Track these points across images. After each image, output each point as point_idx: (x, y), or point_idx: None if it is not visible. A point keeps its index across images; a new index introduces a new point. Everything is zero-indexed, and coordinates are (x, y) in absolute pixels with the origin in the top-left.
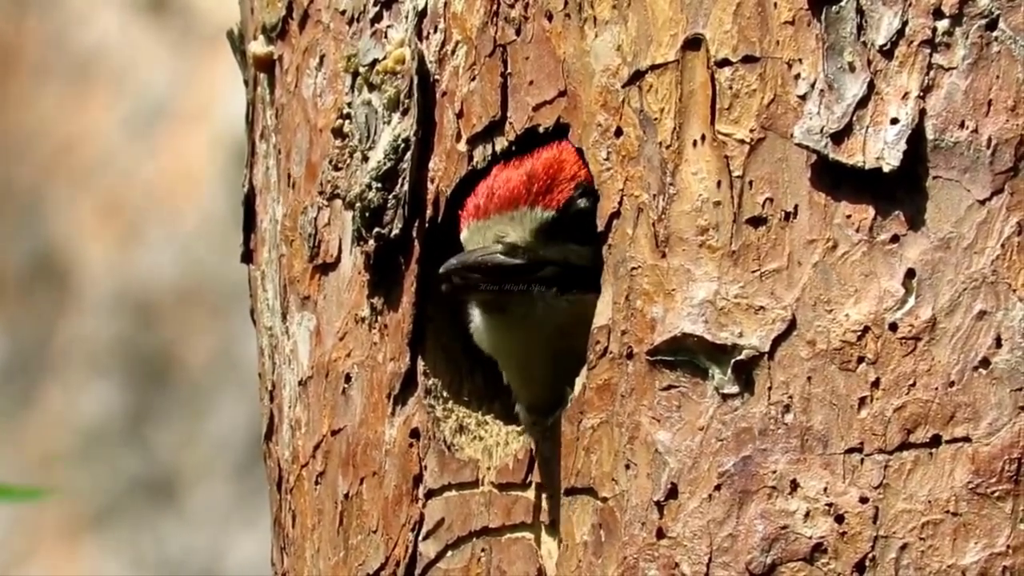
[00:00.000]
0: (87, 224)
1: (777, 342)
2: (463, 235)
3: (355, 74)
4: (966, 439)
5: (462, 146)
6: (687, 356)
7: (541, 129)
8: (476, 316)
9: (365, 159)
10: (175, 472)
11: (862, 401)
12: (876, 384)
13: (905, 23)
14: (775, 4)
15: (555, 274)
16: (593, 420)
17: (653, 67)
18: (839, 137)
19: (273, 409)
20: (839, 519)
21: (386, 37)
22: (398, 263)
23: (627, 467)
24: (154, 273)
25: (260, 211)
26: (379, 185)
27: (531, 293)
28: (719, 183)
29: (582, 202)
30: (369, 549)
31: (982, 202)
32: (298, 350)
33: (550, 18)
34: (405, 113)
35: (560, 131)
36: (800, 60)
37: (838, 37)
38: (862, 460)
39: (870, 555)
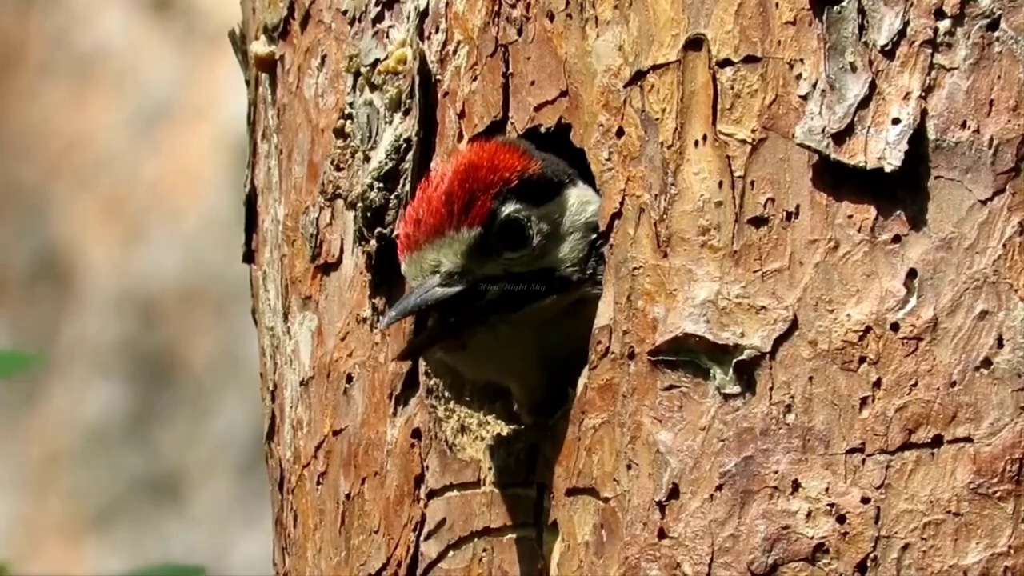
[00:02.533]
0: (90, 223)
1: (779, 342)
2: (403, 268)
3: (357, 74)
4: (968, 439)
5: (464, 146)
6: (689, 356)
7: (543, 129)
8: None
9: (367, 159)
10: (178, 471)
11: (864, 401)
12: (878, 384)
13: (906, 23)
14: (776, 4)
15: (501, 293)
16: (595, 420)
17: (655, 67)
18: (841, 137)
19: (275, 409)
20: (841, 519)
21: (388, 37)
22: (399, 263)
23: (629, 467)
24: (157, 272)
25: (262, 211)
26: (381, 185)
27: (487, 323)
28: (721, 183)
29: (506, 208)
30: (371, 549)
31: (984, 202)
32: (300, 350)
33: (551, 18)
34: (407, 113)
35: (561, 131)
36: (801, 60)
37: (839, 37)
38: (864, 460)
39: (872, 555)
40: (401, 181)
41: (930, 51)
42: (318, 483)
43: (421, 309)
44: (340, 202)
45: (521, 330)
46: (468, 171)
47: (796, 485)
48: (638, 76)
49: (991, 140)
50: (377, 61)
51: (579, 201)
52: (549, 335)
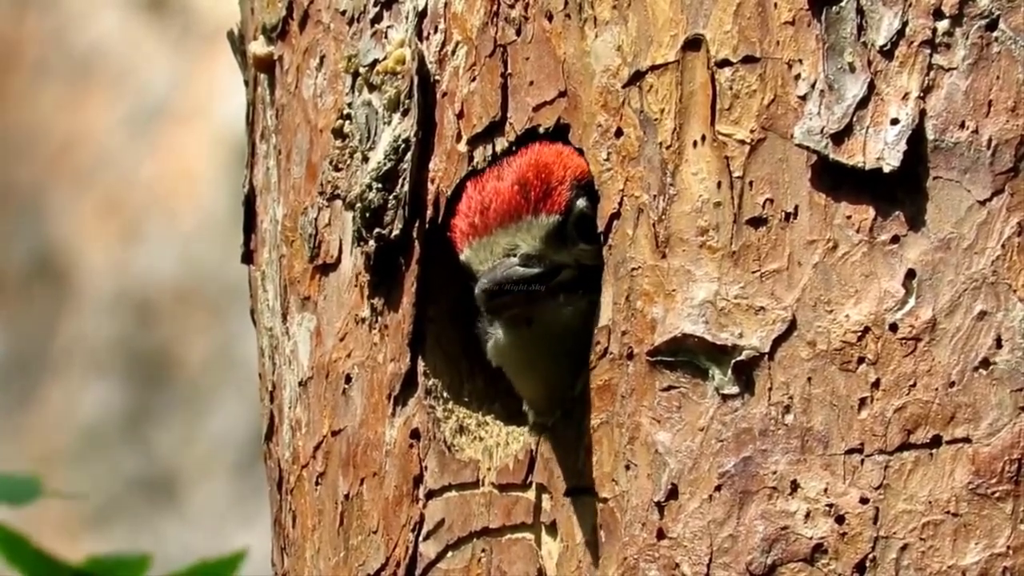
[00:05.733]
0: (87, 224)
1: (777, 343)
2: (465, 254)
3: (355, 74)
4: (966, 440)
5: (462, 146)
6: (687, 357)
7: (541, 129)
8: (498, 335)
9: (365, 159)
10: (175, 471)
11: (862, 402)
12: (876, 385)
13: (905, 23)
14: (775, 4)
15: (573, 277)
16: (593, 421)
17: (653, 67)
18: (839, 138)
19: (273, 410)
20: (839, 520)
21: (386, 37)
22: (398, 264)
23: (627, 468)
24: (154, 273)
25: (260, 211)
26: (379, 186)
27: (558, 300)
28: (719, 184)
29: (580, 202)
30: (369, 550)
31: (982, 203)
32: (298, 351)
33: (550, 18)
34: (405, 113)
35: (560, 131)
36: (800, 60)
37: (838, 37)
38: (862, 461)
39: (870, 556)
40: (400, 181)
41: (929, 51)
42: (317, 483)
43: (508, 282)
44: (339, 202)
45: (574, 324)
46: (540, 165)
47: (795, 486)
48: (637, 76)
49: (990, 140)
50: (376, 61)
51: None
52: (580, 336)
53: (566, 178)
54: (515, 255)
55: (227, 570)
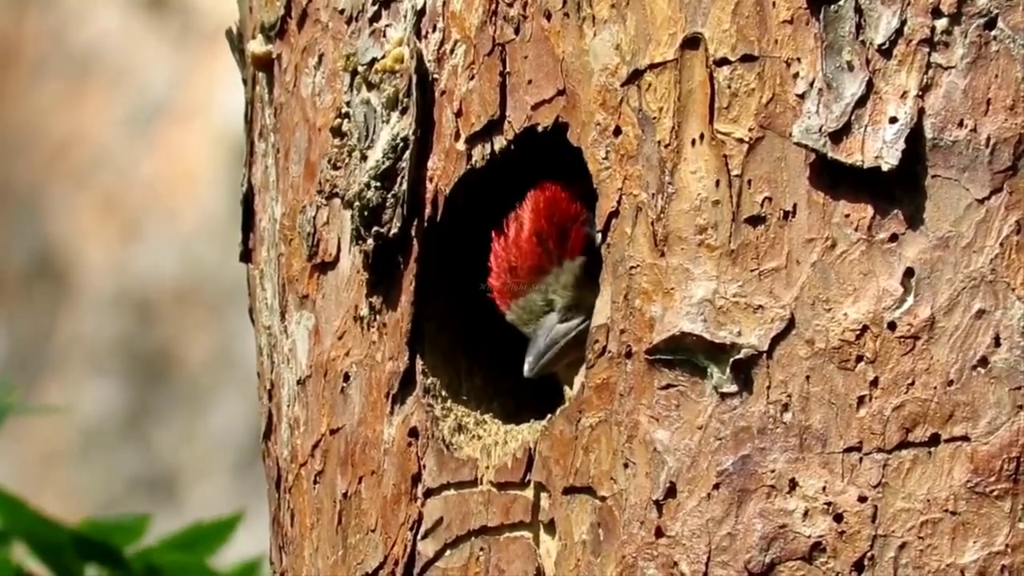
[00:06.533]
0: (86, 222)
1: (776, 341)
2: (508, 317)
3: (354, 73)
4: (965, 438)
5: (461, 145)
6: (686, 355)
7: (540, 128)
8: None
9: (364, 158)
10: (174, 470)
11: (861, 400)
12: (875, 383)
13: (904, 22)
14: (774, 3)
15: None
16: (592, 419)
17: (652, 66)
18: (838, 136)
19: (271, 408)
20: (838, 518)
21: (385, 36)
22: (397, 262)
23: (626, 466)
24: (153, 271)
25: (259, 210)
26: (378, 184)
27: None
28: (718, 182)
29: (598, 234)
30: (368, 548)
31: (981, 201)
32: (296, 349)
33: (549, 17)
34: (404, 112)
35: (558, 130)
36: (799, 59)
37: (837, 36)
38: (861, 459)
39: (869, 554)
40: (398, 180)
41: (927, 50)
42: (315, 482)
43: (553, 346)
44: (337, 201)
45: None
46: (550, 207)
47: (793, 484)
48: (635, 75)
49: (988, 139)
50: (374, 60)
51: None
52: None
53: (577, 213)
54: (553, 309)
55: (223, 533)
